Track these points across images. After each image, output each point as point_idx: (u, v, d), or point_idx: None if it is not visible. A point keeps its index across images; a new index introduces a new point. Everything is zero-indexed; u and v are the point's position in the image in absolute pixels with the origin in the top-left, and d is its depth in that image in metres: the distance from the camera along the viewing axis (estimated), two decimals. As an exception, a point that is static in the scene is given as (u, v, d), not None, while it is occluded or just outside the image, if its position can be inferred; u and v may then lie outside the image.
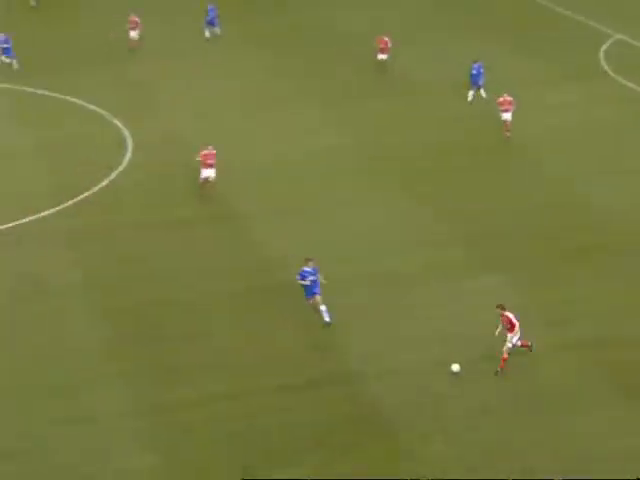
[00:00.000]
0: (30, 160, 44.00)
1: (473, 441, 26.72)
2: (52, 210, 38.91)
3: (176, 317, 32.31)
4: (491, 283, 33.87)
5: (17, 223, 37.91)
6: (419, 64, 55.16)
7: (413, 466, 25.81)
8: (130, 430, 27.27)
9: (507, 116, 44.90)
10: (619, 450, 26.10)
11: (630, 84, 51.54)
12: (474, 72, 49.18)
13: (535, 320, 31.12)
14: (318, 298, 31.19)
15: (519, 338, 29.25)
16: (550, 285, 33.70)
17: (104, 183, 41.37)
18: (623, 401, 28.03)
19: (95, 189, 40.77)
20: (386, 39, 53.88)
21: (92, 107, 49.24)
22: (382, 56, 53.84)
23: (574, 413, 27.54)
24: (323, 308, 31.15)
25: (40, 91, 51.29)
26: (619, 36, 58.83)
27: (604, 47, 57.00)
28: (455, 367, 29.15)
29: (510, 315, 29.16)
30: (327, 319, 31.18)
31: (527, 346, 29.66)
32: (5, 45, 53.22)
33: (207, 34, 59.27)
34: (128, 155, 44.09)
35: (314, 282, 31.16)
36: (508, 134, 44.90)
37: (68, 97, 50.45)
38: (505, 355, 29.03)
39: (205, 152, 39.40)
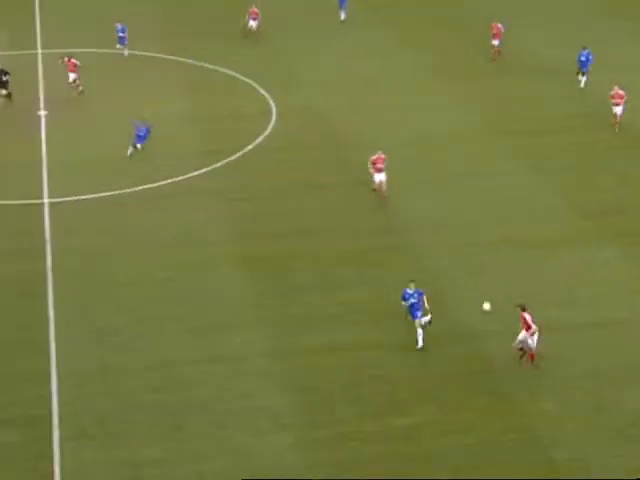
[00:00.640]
0: (187, 124, 46.97)
1: (583, 401, 28.19)
2: (204, 170, 41.72)
3: (307, 269, 34.91)
4: (615, 255, 35.56)
5: (173, 180, 40.81)
6: (544, 46, 56.71)
7: (523, 422, 27.44)
8: (262, 372, 29.48)
9: (618, 110, 44.87)
10: None
11: None
12: (582, 59, 49.98)
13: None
14: (416, 322, 30.59)
15: (535, 341, 29.16)
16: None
17: (250, 147, 44.47)
18: None
19: (241, 153, 43.77)
20: (499, 25, 54.73)
21: (245, 79, 52.29)
22: (495, 42, 54.65)
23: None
24: (420, 332, 30.49)
25: (203, 64, 54.45)
26: None
27: None
28: (486, 306, 30.68)
29: (527, 316, 29.20)
30: (420, 344, 30.55)
31: (529, 356, 29.40)
32: (122, 34, 54.93)
33: (342, 16, 61.12)
34: (272, 123, 46.88)
35: (414, 305, 30.52)
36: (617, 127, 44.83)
37: (224, 69, 53.58)
38: (532, 351, 29.28)
39: (375, 157, 39.24)
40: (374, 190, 39.61)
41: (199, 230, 37.73)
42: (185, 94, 50.85)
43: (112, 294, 33.59)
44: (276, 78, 52.41)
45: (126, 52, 55.25)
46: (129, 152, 40.25)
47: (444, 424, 27.61)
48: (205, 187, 40.79)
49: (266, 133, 46.07)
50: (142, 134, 41.77)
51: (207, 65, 54.46)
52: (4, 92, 47.79)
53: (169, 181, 41.01)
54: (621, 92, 45.16)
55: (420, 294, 30.78)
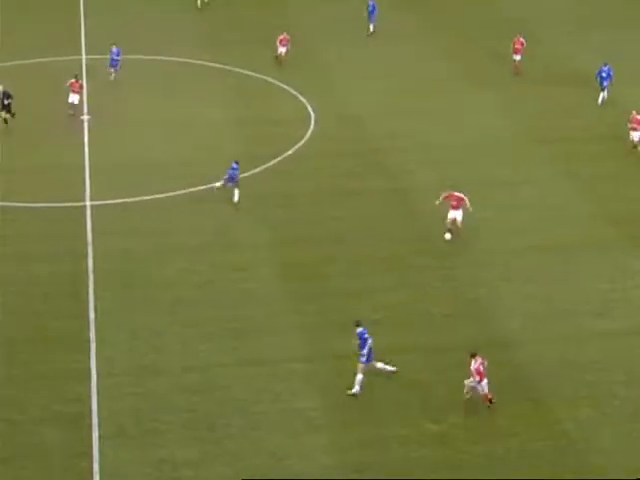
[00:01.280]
0: (227, 130, 47.46)
1: (618, 408, 28.30)
2: (243, 175, 41.69)
3: (344, 274, 35.16)
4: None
5: (212, 185, 40.77)
6: (577, 54, 56.63)
7: (559, 429, 27.58)
8: (297, 375, 29.76)
9: (636, 135, 43.70)
10: None
11: None
12: (603, 75, 49.07)
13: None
14: (371, 365, 29.05)
15: (485, 385, 28.09)
16: None
17: (289, 153, 44.85)
18: None
19: (280, 158, 44.19)
20: (522, 39, 53.83)
21: (283, 86, 52.68)
22: (516, 57, 53.68)
23: None
24: (361, 377, 28.70)
25: (243, 71, 54.80)
26: None
27: None
28: (447, 236, 33.34)
29: (476, 365, 28.03)
30: (356, 389, 28.78)
31: (486, 400, 28.34)
32: (116, 57, 52.54)
33: (371, 28, 60.67)
34: (310, 130, 47.25)
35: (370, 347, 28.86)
36: (638, 149, 43.63)
37: (264, 76, 54.00)
38: (486, 395, 28.18)
39: (446, 194, 37.28)
40: (449, 231, 37.32)
41: (237, 234, 38.17)
42: (226, 100, 51.29)
43: (151, 296, 34.09)
44: (314, 85, 52.78)
45: (113, 77, 52.51)
46: (217, 185, 39.64)
47: (478, 430, 27.75)
48: (244, 192, 41.04)
49: (305, 139, 46.46)
50: (235, 177, 40.31)
51: (246, 72, 54.92)
52: (5, 115, 46.89)
53: (209, 186, 41.40)
54: (639, 117, 43.83)
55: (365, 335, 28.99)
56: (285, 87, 52.62)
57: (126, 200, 40.61)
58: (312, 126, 47.88)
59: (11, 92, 47.21)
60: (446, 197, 37.31)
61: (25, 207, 40.30)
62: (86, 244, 37.27)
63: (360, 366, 28.83)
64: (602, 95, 49.44)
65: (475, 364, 28.19)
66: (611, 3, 67.06)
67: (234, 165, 39.87)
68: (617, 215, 39.42)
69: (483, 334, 31.83)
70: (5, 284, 34.86)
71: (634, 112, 44.18)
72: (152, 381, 29.71)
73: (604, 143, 45.00)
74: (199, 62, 56.45)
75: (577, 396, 29.00)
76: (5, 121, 46.96)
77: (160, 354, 30.98)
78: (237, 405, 28.45)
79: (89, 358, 30.65)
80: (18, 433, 27.65)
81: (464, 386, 28.49)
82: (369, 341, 28.91)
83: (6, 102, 47.03)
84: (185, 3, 67.02)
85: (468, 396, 28.56)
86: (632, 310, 33.15)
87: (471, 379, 28.32)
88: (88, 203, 40.42)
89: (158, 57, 57.05)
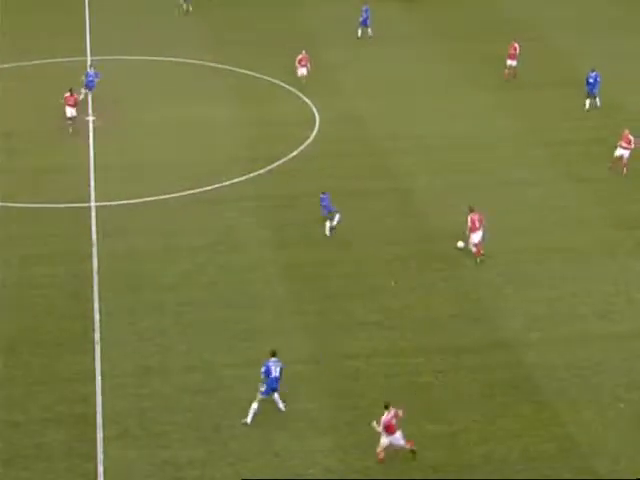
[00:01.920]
0: (232, 131, 47.45)
1: (623, 410, 28.30)
2: (248, 176, 42.24)
3: (347, 275, 35.20)
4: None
5: (217, 186, 41.39)
6: (578, 57, 56.13)
7: (563, 431, 27.57)
8: (302, 376, 29.80)
9: (625, 154, 41.95)
10: None
11: None
12: (590, 81, 48.66)
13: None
14: (271, 396, 28.16)
15: (401, 438, 26.15)
16: None
17: (293, 154, 44.83)
18: None
19: (285, 159, 44.19)
20: (516, 45, 53.05)
21: (288, 87, 52.70)
22: (511, 62, 53.05)
23: None
24: (255, 406, 27.91)
25: (247, 72, 54.85)
26: None
27: None
28: (460, 244, 34.55)
29: (387, 417, 25.97)
30: (248, 419, 27.93)
31: (410, 446, 26.36)
32: (91, 79, 49.65)
33: (369, 33, 60.28)
34: (315, 131, 47.28)
35: (277, 379, 27.91)
36: (624, 170, 42.00)
37: (269, 77, 54.05)
38: (380, 449, 26.15)
39: (472, 216, 35.80)
40: (476, 254, 36.19)
41: (242, 235, 38.24)
42: (230, 101, 51.35)
43: (156, 296, 34.17)
44: (319, 86, 52.76)
45: (82, 96, 49.00)
46: (329, 230, 38.47)
47: (483, 432, 27.79)
48: (249, 193, 41.29)
49: (309, 140, 46.51)
50: (328, 207, 38.57)
51: (250, 72, 54.98)
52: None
53: (213, 186, 41.57)
54: (630, 137, 42.20)
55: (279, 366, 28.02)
56: (290, 88, 52.67)
57: (131, 201, 40.69)
58: (316, 127, 47.94)
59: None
60: (473, 220, 35.62)
61: (30, 208, 40.40)
62: (91, 245, 37.36)
63: (258, 396, 28.02)
64: (589, 101, 49.04)
65: (387, 415, 26.00)
66: (612, 8, 66.91)
67: (322, 196, 38.37)
68: (620, 217, 39.46)
69: (486, 336, 31.90)
70: (10, 285, 34.96)
71: (627, 130, 42.61)
72: (157, 381, 29.80)
73: (606, 145, 44.80)
74: (203, 63, 56.51)
75: (580, 399, 29.03)
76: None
77: (164, 355, 31.04)
78: (241, 406, 28.45)
79: (94, 359, 30.75)
80: (21, 434, 27.74)
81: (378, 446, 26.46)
82: (274, 373, 27.87)
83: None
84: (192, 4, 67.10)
85: (382, 456, 26.35)
86: (635, 312, 33.17)
87: (383, 437, 25.99)
88: (93, 204, 40.50)
89: (162, 58, 57.10)
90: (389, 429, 26.05)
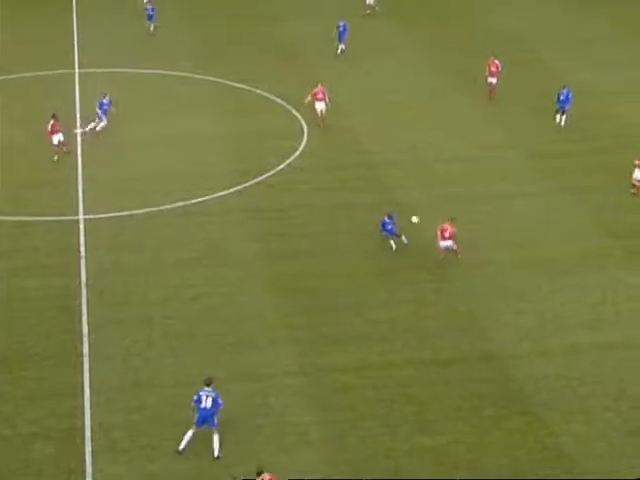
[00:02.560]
0: (220, 144, 47.43)
1: (613, 421, 28.32)
2: (235, 188, 42.23)
3: (336, 288, 35.14)
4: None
5: (203, 199, 41.30)
6: (574, 68, 56.94)
7: (554, 442, 27.55)
8: (291, 389, 29.74)
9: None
10: None
11: None
12: (562, 97, 48.47)
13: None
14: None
15: None
16: None
17: (281, 167, 44.84)
18: None
19: (272, 172, 44.15)
20: (497, 62, 52.27)
21: (277, 99, 52.82)
22: (492, 79, 52.42)
23: None
24: (189, 433, 27.25)
25: (237, 84, 54.93)
26: None
27: None
28: (414, 219, 36.24)
29: None
30: (181, 446, 27.25)
31: None
32: (106, 105, 48.27)
33: (341, 47, 59.61)
34: (303, 143, 47.28)
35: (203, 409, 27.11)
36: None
37: (257, 90, 54.11)
38: None
39: (443, 225, 36.23)
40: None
41: (230, 248, 38.19)
42: (218, 114, 51.38)
43: (144, 310, 34.09)
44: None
45: (99, 127, 48.29)
46: (393, 247, 37.12)
47: (474, 444, 27.76)
48: (237, 205, 41.26)
49: (297, 153, 46.52)
50: (391, 230, 37.94)
51: (239, 85, 55.08)
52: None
53: (201, 199, 41.58)
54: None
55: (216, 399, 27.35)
56: (278, 101, 52.73)
57: (119, 214, 40.63)
58: (305, 140, 47.99)
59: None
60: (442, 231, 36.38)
61: (18, 221, 40.29)
62: (79, 258, 37.27)
63: (193, 424, 27.41)
64: (559, 116, 48.85)
65: None
66: (609, 19, 67.35)
67: (386, 220, 37.74)
68: (607, 228, 39.56)
69: (475, 347, 31.93)
70: (-2, 298, 34.85)
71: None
72: (146, 395, 29.69)
73: (597, 157, 45.07)
74: (192, 75, 56.58)
75: (570, 410, 29.04)
76: None
77: (153, 368, 30.96)
78: (230, 419, 28.38)
79: (82, 373, 30.63)
80: (10, 449, 27.60)
81: None
82: (204, 403, 27.19)
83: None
84: (179, 17, 67.20)
85: None
86: (624, 323, 33.23)
87: None
88: (81, 217, 40.43)
89: (151, 71, 57.15)
90: None
